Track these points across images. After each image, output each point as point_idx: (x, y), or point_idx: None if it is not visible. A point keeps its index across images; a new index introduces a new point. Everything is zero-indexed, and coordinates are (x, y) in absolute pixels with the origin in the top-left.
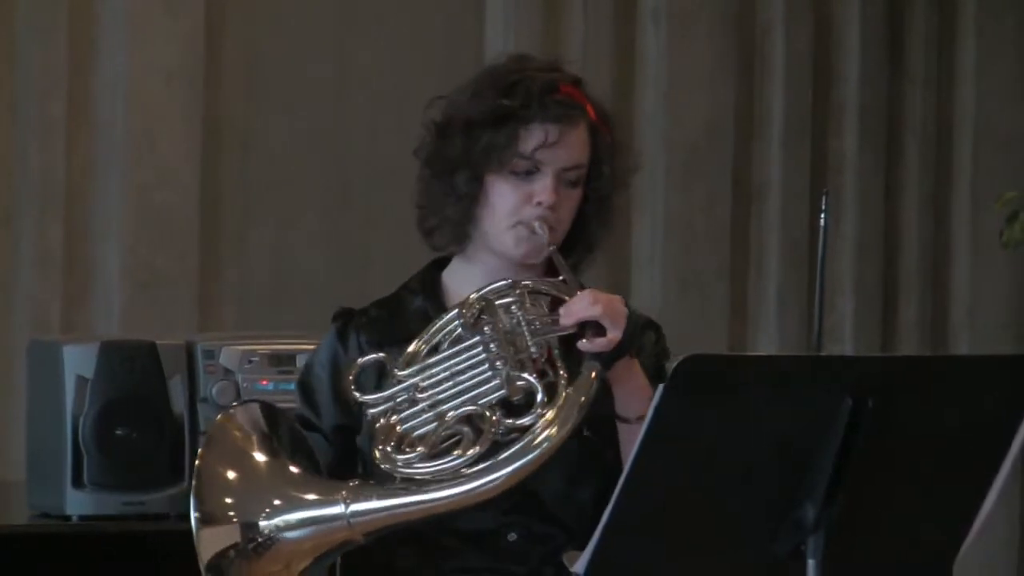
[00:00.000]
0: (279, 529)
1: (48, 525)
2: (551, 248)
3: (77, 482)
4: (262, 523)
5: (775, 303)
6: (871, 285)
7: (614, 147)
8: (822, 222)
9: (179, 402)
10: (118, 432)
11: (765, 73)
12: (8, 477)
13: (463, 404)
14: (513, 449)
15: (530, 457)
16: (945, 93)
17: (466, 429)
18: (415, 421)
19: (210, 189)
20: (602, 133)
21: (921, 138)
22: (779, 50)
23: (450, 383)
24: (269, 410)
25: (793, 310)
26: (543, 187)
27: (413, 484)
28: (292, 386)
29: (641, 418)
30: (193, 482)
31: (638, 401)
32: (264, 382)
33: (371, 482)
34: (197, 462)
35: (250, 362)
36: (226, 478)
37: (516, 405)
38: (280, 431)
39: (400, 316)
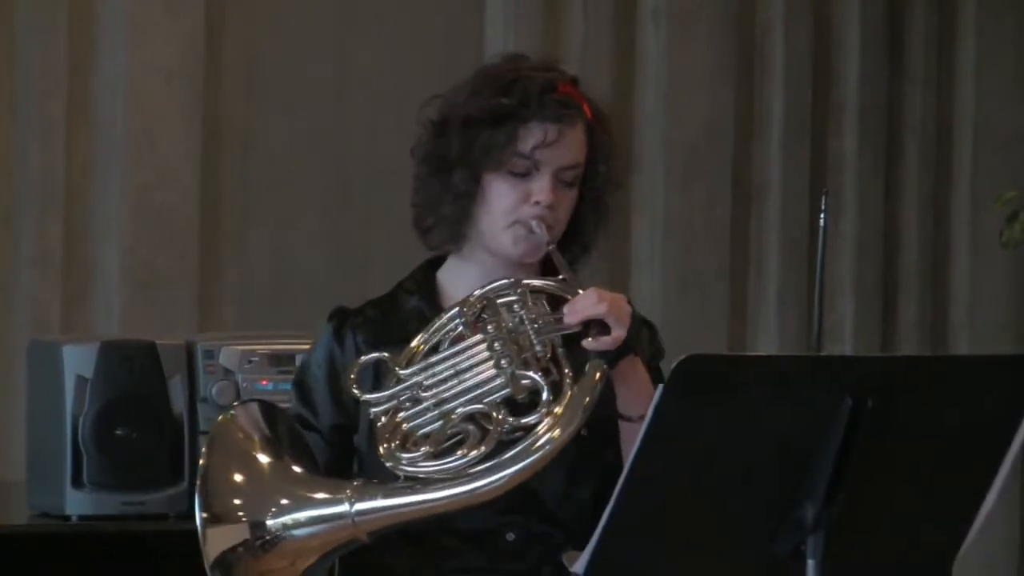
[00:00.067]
0: (286, 527)
1: (48, 525)
2: (551, 247)
3: (77, 482)
4: (269, 522)
5: (775, 303)
6: (871, 285)
7: (610, 147)
8: (822, 222)
9: (179, 402)
10: (118, 432)
11: (765, 73)
12: (8, 477)
13: (468, 402)
14: (518, 448)
15: (536, 456)
16: (945, 93)
17: (471, 428)
18: (420, 420)
19: (210, 189)
20: (598, 132)
21: (921, 138)
22: (779, 50)
23: (454, 381)
24: (268, 409)
25: (793, 310)
26: (541, 186)
27: (417, 483)
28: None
29: (643, 417)
30: (198, 484)
31: (641, 400)
32: (264, 382)
33: (374, 481)
34: (201, 462)
35: (250, 362)
36: (232, 479)
37: (520, 403)
38: (280, 430)
39: (396, 316)
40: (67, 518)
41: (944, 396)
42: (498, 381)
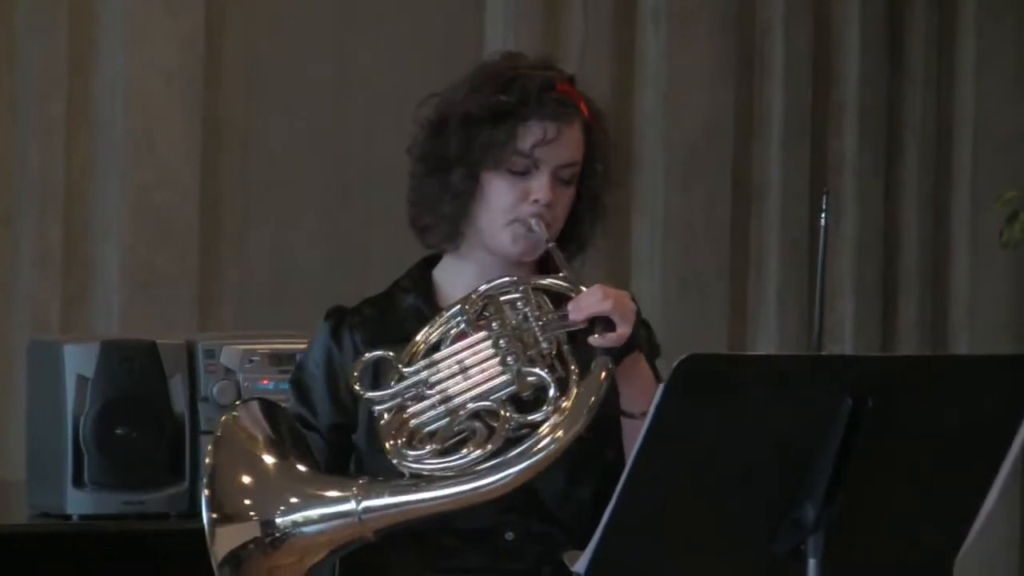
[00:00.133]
0: (296, 525)
1: (48, 525)
2: (550, 245)
3: (77, 481)
4: (278, 520)
5: (775, 303)
6: (871, 285)
7: (607, 145)
8: (823, 222)
9: (180, 402)
10: (118, 432)
11: (765, 73)
12: (8, 477)
13: (475, 399)
14: (524, 446)
15: (542, 454)
16: (945, 93)
17: (478, 425)
18: (425, 416)
19: (210, 189)
20: (596, 131)
21: (921, 138)
22: (779, 50)
23: (459, 378)
24: (269, 408)
25: (793, 310)
26: (540, 185)
27: (423, 481)
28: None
29: (646, 414)
30: (206, 485)
31: (644, 396)
32: (265, 381)
33: (379, 479)
34: (208, 462)
35: (251, 361)
36: (240, 480)
37: (524, 401)
38: (282, 430)
39: (393, 314)
40: (68, 517)
41: (944, 396)
42: (504, 378)
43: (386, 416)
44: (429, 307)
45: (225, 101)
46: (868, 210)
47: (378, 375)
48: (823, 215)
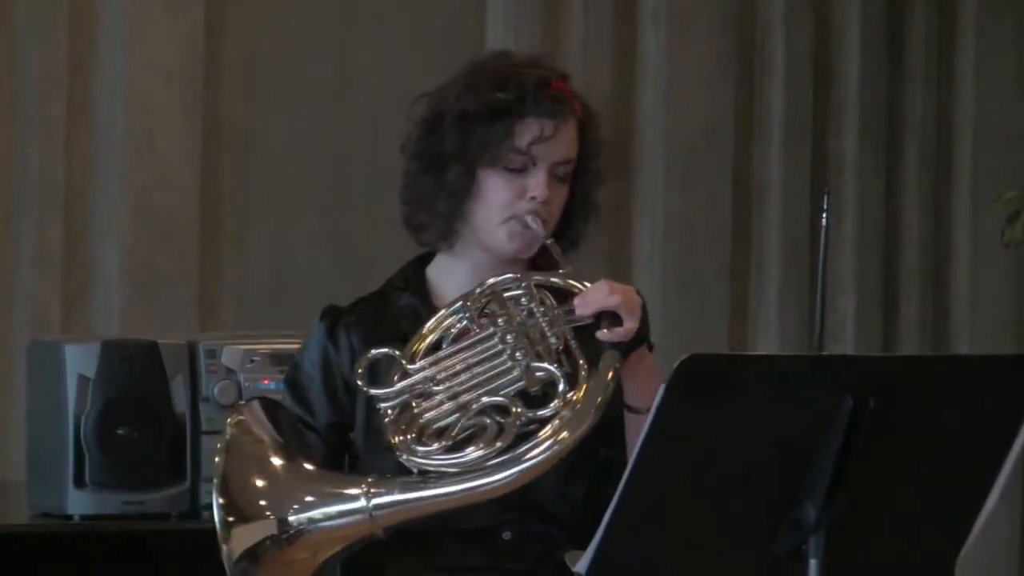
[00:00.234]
0: (310, 522)
1: (49, 525)
2: (549, 241)
3: (78, 482)
4: (292, 518)
5: (776, 303)
6: (872, 285)
7: (600, 143)
8: (823, 222)
9: (181, 402)
10: (119, 432)
11: (765, 73)
12: (8, 477)
13: (484, 395)
14: (534, 441)
15: (552, 450)
16: (945, 93)
17: (488, 421)
18: (435, 413)
19: (210, 189)
20: (589, 128)
21: (921, 138)
22: (779, 50)
23: (467, 375)
24: (270, 407)
25: (794, 310)
26: (537, 182)
27: (431, 477)
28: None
29: (650, 408)
30: (219, 493)
31: (649, 391)
32: (266, 381)
33: (388, 476)
34: (219, 467)
35: (252, 361)
36: (253, 483)
37: (532, 396)
38: (284, 429)
39: (389, 313)
40: (69, 518)
41: (945, 396)
42: (513, 374)
43: (390, 413)
44: (424, 306)
45: (225, 101)
46: (869, 210)
47: (376, 373)
48: (824, 215)
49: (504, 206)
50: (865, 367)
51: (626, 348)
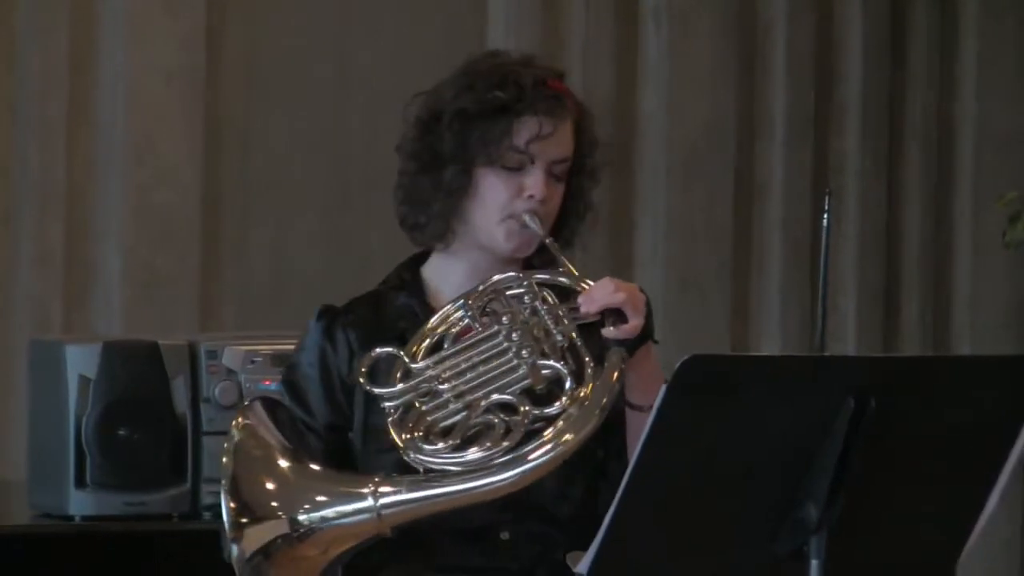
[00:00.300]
0: (321, 521)
1: (50, 525)
2: (548, 240)
3: (79, 482)
4: (303, 517)
5: (777, 303)
6: (873, 285)
7: (595, 142)
8: (824, 222)
9: (182, 402)
10: (120, 432)
11: (766, 73)
12: (9, 477)
13: (491, 394)
14: (541, 439)
15: (560, 449)
16: (946, 93)
17: (495, 420)
18: (443, 412)
19: (210, 189)
20: (584, 127)
21: (922, 138)
22: (781, 50)
23: (473, 373)
24: (272, 407)
25: (794, 310)
26: (535, 180)
27: (437, 476)
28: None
29: (653, 406)
30: (230, 498)
31: (653, 388)
32: (267, 382)
33: (394, 475)
34: (229, 466)
35: (252, 362)
36: (264, 485)
37: (537, 394)
38: (286, 429)
39: (386, 313)
40: (70, 518)
41: (946, 396)
42: (519, 372)
43: (393, 412)
44: (421, 306)
45: (225, 101)
46: (870, 210)
47: (376, 373)
48: (825, 215)
49: (502, 205)
50: (866, 368)
51: (631, 345)
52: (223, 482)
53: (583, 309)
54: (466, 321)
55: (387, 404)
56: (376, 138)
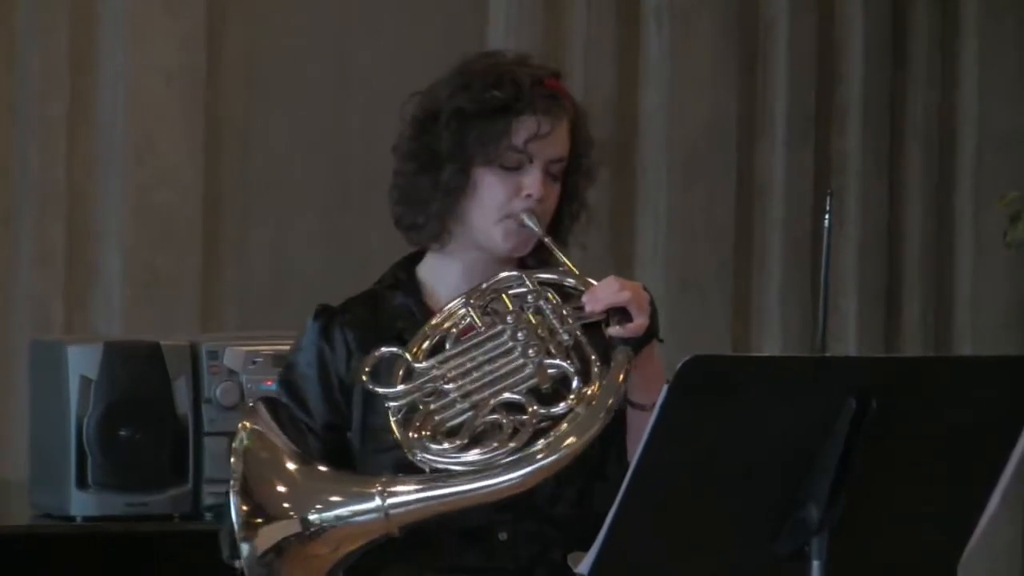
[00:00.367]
0: (330, 520)
1: (51, 526)
2: (547, 239)
3: (81, 483)
4: (313, 516)
5: (778, 303)
6: (874, 285)
7: (590, 141)
8: (826, 222)
9: (183, 403)
10: (122, 433)
11: (768, 73)
12: (10, 477)
13: (498, 393)
14: (548, 439)
15: (567, 449)
16: (948, 93)
17: (503, 420)
18: (449, 411)
19: (210, 189)
20: (580, 127)
21: (924, 138)
22: (782, 50)
23: (478, 373)
24: (273, 408)
25: (796, 310)
26: (533, 180)
27: (444, 476)
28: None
29: (655, 405)
30: (241, 500)
31: (655, 387)
32: (268, 382)
33: (400, 475)
34: (239, 469)
35: (254, 363)
36: (275, 488)
37: (543, 394)
38: (288, 429)
39: (383, 313)
40: (71, 519)
41: (948, 397)
42: (525, 371)
43: (397, 412)
44: (418, 305)
45: (225, 101)
46: (871, 210)
47: (376, 373)
48: (827, 216)
49: (500, 204)
50: (867, 368)
51: (637, 344)
52: (232, 483)
53: (588, 308)
54: (467, 320)
55: (391, 404)
56: (376, 138)
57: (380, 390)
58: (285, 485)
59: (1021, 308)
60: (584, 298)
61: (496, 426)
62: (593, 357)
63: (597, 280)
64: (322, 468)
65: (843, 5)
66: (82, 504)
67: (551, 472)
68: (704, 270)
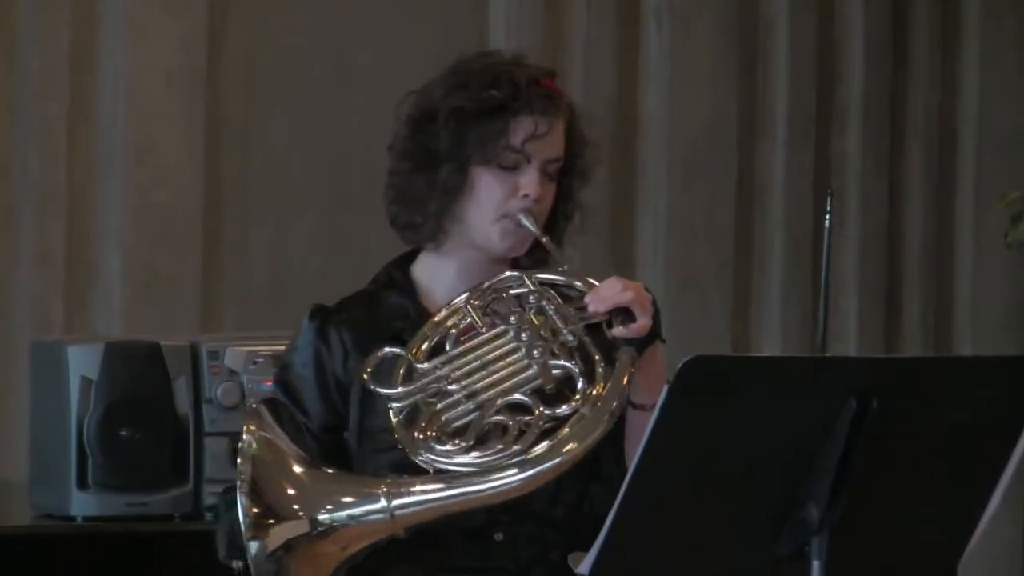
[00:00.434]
0: (338, 521)
1: (52, 526)
2: (545, 239)
3: (81, 483)
4: (322, 516)
5: (778, 303)
6: (874, 286)
7: (585, 141)
8: (826, 223)
9: (183, 403)
10: (122, 433)
11: (768, 73)
12: (10, 477)
13: (503, 394)
14: (552, 440)
15: (571, 452)
16: (948, 93)
17: (509, 421)
18: (454, 412)
19: (210, 189)
20: (575, 127)
21: (924, 139)
22: (782, 50)
23: (482, 373)
24: (275, 409)
25: (796, 311)
26: (530, 180)
27: (447, 478)
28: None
29: (656, 405)
30: (250, 502)
31: (658, 387)
32: (268, 382)
33: (405, 477)
34: (248, 472)
35: (254, 363)
36: (284, 490)
37: (547, 394)
38: (289, 430)
39: (380, 313)
40: (71, 519)
41: (948, 397)
42: (530, 372)
43: (399, 413)
44: (414, 305)
45: (225, 101)
46: (871, 211)
47: (376, 374)
48: (827, 216)
49: (497, 204)
50: (868, 368)
51: (640, 344)
52: (240, 484)
53: (592, 308)
54: (468, 320)
55: (394, 404)
56: (376, 138)
57: (382, 391)
58: (294, 487)
59: (1021, 308)
60: (588, 298)
61: (501, 427)
62: (597, 357)
63: (597, 280)
64: (328, 470)
65: (843, 5)
66: (82, 504)
67: (556, 474)
68: (704, 270)
